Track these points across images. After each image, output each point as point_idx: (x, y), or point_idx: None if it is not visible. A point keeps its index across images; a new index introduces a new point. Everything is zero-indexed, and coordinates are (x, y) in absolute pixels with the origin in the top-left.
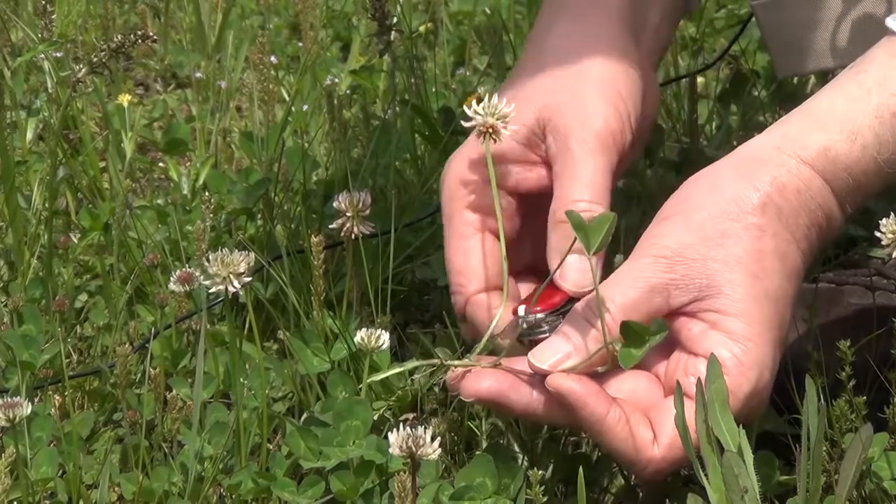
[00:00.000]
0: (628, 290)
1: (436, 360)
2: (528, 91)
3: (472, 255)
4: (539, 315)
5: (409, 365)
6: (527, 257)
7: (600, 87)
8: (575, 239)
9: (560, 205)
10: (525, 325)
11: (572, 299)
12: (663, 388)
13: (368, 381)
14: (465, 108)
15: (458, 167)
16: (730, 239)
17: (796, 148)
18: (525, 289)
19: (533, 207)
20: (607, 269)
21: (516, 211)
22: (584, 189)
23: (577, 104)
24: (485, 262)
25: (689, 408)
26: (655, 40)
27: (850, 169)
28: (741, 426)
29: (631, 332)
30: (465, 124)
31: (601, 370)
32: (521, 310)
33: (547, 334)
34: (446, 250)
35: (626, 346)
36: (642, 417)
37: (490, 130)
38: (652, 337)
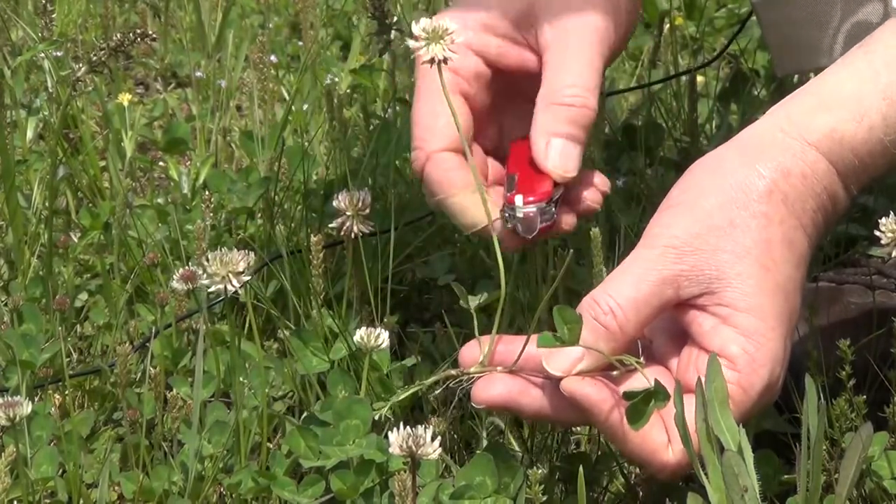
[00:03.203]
0: (640, 284)
1: (453, 372)
2: None
3: (441, 113)
4: (537, 205)
5: (428, 382)
6: (491, 138)
7: None
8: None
9: (553, 88)
10: (521, 215)
11: (558, 186)
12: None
13: (390, 401)
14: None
15: None
16: (738, 228)
17: (801, 130)
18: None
19: (505, 87)
20: (611, 265)
21: (488, 85)
22: (579, 77)
23: (579, 4)
24: (451, 122)
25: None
26: None
27: (856, 150)
28: (741, 425)
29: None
30: (413, 55)
31: (616, 374)
32: (519, 199)
33: (547, 222)
34: (414, 105)
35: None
36: (657, 419)
37: (441, 61)
38: (659, 403)
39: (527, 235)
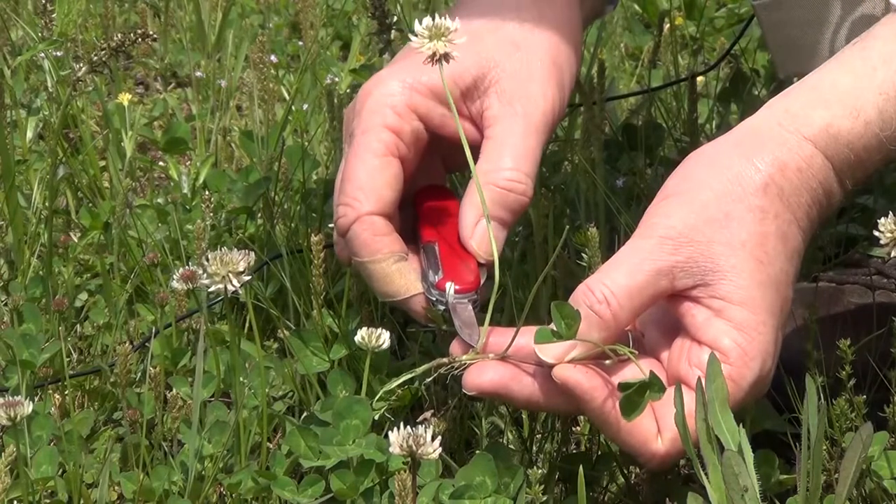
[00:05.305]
0: (635, 274)
1: (444, 360)
2: (481, 38)
3: (378, 174)
4: (467, 296)
5: (420, 369)
6: (412, 196)
7: (551, 68)
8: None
9: (494, 167)
10: (453, 302)
11: (482, 266)
12: (667, 375)
13: (382, 391)
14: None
15: (390, 85)
16: (734, 221)
17: (798, 124)
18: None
19: (437, 151)
20: (609, 251)
21: (423, 149)
22: (522, 161)
23: (529, 77)
24: (388, 186)
25: (691, 400)
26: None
27: (851, 145)
28: (741, 425)
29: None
30: (413, 46)
31: (608, 363)
32: (450, 287)
33: (476, 309)
34: (350, 161)
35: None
36: (647, 409)
37: (442, 57)
38: (654, 393)
39: (467, 338)
